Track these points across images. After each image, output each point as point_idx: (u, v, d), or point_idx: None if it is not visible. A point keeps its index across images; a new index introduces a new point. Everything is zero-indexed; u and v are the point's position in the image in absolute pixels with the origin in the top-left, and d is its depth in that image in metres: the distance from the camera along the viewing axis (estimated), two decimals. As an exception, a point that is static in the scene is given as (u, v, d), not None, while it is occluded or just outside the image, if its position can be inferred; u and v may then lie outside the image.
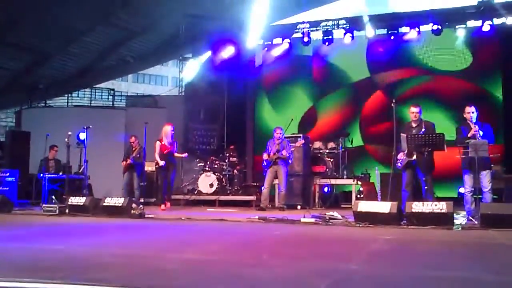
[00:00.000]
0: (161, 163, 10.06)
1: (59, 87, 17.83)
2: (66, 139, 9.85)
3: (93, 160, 10.78)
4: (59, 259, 3.71)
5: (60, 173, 11.31)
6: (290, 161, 10.26)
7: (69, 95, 17.83)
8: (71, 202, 8.48)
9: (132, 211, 7.76)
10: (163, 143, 10.16)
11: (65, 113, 15.62)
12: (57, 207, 8.28)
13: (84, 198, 8.61)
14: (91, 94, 19.14)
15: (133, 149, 10.88)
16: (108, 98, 18.63)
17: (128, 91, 39.31)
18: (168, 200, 10.41)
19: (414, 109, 7.77)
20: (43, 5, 12.24)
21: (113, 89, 18.82)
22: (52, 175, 11.26)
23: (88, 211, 8.20)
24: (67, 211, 8.33)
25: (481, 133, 7.21)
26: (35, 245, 4.64)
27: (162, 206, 10.08)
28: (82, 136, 10.81)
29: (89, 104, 17.94)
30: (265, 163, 10.27)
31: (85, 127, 10.57)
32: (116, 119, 15.05)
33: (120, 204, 7.99)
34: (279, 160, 10.06)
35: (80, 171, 11.65)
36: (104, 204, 8.17)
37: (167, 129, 10.30)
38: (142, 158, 10.80)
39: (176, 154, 10.48)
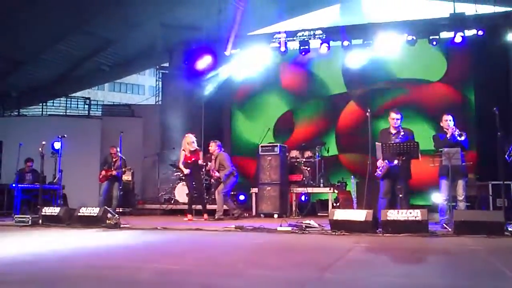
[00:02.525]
0: (186, 171, 9.76)
1: (33, 96, 17.53)
2: (40, 149, 9.69)
3: (68, 170, 10.63)
4: (30, 272, 3.64)
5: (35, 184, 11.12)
6: (225, 178, 10.20)
7: (44, 103, 17.57)
8: (45, 212, 8.33)
9: (107, 220, 7.67)
10: (185, 153, 9.82)
11: (39, 122, 15.34)
12: (30, 218, 8.12)
13: (59, 208, 8.47)
14: (66, 103, 18.89)
15: (114, 159, 10.84)
16: (84, 107, 18.42)
17: (105, 99, 39.04)
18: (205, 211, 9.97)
19: (395, 115, 7.81)
20: (14, 11, 12.02)
21: (88, 98, 18.64)
22: (25, 185, 11.07)
23: (63, 221, 8.07)
24: (40, 221, 8.18)
25: (457, 132, 7.40)
26: (5, 258, 4.54)
27: (205, 216, 9.80)
28: (57, 145, 10.63)
29: (64, 113, 17.72)
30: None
31: (60, 137, 10.41)
32: (92, 129, 14.89)
33: (96, 214, 7.89)
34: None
35: (54, 181, 11.46)
36: (79, 214, 8.05)
37: (190, 138, 9.91)
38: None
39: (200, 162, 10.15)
